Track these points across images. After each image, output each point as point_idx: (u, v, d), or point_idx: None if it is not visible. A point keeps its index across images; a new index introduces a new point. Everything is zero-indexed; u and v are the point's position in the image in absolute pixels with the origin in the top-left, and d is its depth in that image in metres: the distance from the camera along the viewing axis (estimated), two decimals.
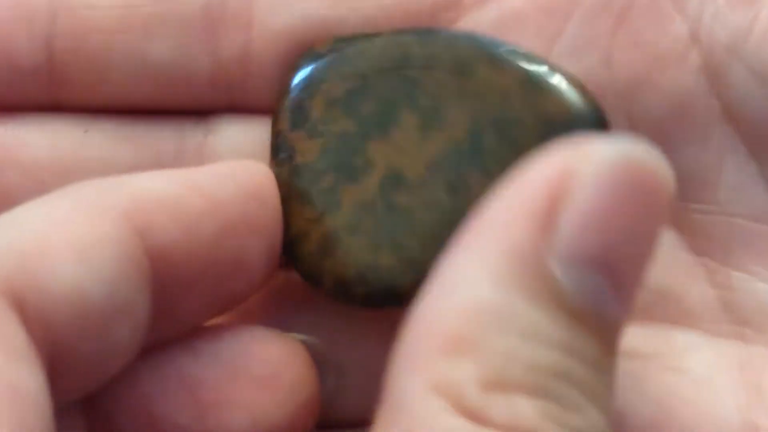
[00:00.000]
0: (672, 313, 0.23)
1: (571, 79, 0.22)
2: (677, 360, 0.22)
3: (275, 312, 0.24)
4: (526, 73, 0.22)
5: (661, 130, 0.23)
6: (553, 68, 0.22)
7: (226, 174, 0.22)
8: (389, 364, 0.18)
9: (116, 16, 0.23)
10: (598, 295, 0.18)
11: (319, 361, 0.23)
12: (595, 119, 0.22)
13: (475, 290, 0.18)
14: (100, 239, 0.19)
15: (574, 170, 0.18)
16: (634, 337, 0.22)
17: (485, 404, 0.17)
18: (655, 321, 0.23)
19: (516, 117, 0.22)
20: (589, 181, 0.18)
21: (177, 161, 0.24)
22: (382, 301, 0.22)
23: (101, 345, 0.19)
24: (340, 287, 0.22)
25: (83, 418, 0.21)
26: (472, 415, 0.17)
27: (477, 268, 0.18)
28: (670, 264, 0.23)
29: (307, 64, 0.23)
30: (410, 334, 0.18)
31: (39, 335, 0.18)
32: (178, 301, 0.21)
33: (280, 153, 0.23)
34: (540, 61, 0.22)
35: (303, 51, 0.23)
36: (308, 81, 0.23)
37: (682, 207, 0.23)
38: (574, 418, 0.18)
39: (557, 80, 0.22)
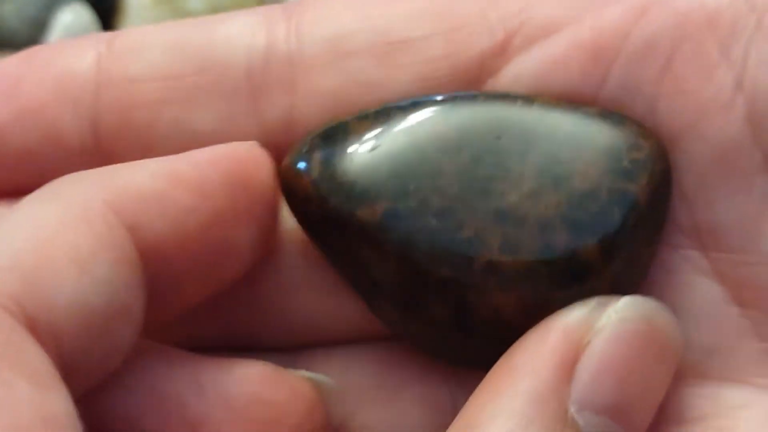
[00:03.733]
0: (720, 369, 0.23)
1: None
2: (726, 419, 0.22)
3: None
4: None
5: (704, 179, 0.22)
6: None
7: (211, 162, 0.21)
8: None
9: (159, 88, 0.23)
10: None
11: (328, 400, 0.23)
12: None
13: (502, 430, 0.19)
14: (96, 245, 0.19)
15: (593, 323, 0.20)
16: (682, 398, 0.23)
17: None
18: (703, 379, 0.23)
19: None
20: (605, 335, 0.20)
21: None
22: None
23: (104, 348, 0.20)
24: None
25: None
26: None
27: (503, 409, 0.20)
28: (716, 319, 0.23)
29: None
30: None
31: (50, 351, 0.19)
32: (168, 292, 0.21)
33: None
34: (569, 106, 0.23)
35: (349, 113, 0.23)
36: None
37: (725, 258, 0.23)
38: None
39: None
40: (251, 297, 0.23)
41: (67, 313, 0.19)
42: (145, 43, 0.23)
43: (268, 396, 0.21)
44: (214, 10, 0.47)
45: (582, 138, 0.22)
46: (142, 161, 0.21)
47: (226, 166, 0.22)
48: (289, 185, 0.22)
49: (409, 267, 0.22)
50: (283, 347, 0.24)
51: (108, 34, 0.24)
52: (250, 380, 0.21)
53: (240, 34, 0.23)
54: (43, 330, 0.19)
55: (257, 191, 0.22)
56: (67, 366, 0.19)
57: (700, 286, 0.23)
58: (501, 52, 0.23)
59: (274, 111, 0.23)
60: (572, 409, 0.20)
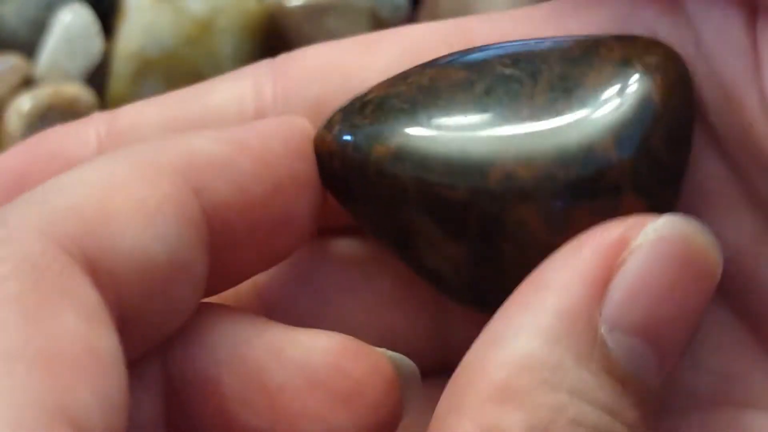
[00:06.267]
0: (738, 396, 0.23)
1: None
2: None
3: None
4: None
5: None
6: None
7: (271, 132, 0.22)
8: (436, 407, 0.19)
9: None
10: (641, 362, 0.19)
11: (406, 379, 0.22)
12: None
13: (527, 344, 0.19)
14: (161, 200, 0.20)
15: (630, 242, 0.19)
16: (702, 424, 0.22)
17: None
18: (722, 405, 0.23)
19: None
20: (642, 253, 0.19)
21: None
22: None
23: (164, 303, 0.20)
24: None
25: (162, 399, 0.22)
26: None
27: (530, 323, 0.19)
28: (732, 347, 0.23)
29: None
30: (460, 379, 0.19)
31: (109, 296, 0.19)
32: (231, 258, 0.21)
33: None
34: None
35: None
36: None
37: (738, 289, 0.22)
38: None
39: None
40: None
41: (128, 262, 0.19)
42: (142, 125, 0.24)
43: (348, 368, 0.21)
44: (215, 10, 0.47)
45: (593, 54, 0.22)
46: (206, 130, 0.22)
47: (286, 136, 0.22)
48: (318, 153, 0.23)
49: (428, 194, 0.21)
50: None
51: (107, 116, 0.24)
52: (332, 351, 0.21)
53: (230, 102, 0.24)
54: (102, 275, 0.19)
55: (311, 162, 0.22)
56: (125, 316, 0.19)
57: (715, 316, 0.23)
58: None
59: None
60: (602, 329, 0.19)
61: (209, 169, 0.21)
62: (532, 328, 0.19)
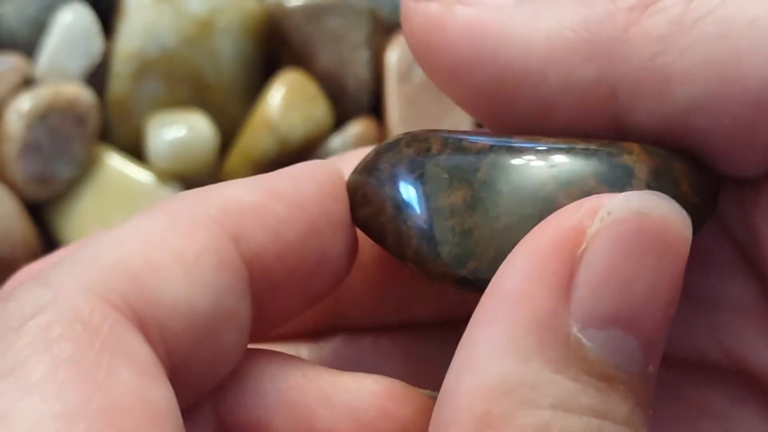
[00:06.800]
0: None
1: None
2: None
3: None
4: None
5: None
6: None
7: (301, 176, 0.22)
8: None
9: None
10: (623, 351, 0.19)
11: None
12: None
13: (500, 366, 0.18)
14: (201, 251, 0.20)
15: (586, 231, 0.19)
16: None
17: None
18: None
19: None
20: (600, 241, 0.18)
21: None
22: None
23: (212, 351, 0.20)
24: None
25: None
26: None
27: (499, 343, 0.18)
28: None
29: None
30: (440, 412, 0.19)
31: (158, 348, 0.19)
32: (272, 301, 0.22)
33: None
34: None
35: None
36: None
37: None
38: None
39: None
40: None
41: (174, 313, 0.19)
42: None
43: (395, 411, 0.22)
44: (215, 10, 0.47)
45: (616, 144, 0.22)
46: (238, 180, 0.22)
47: (318, 177, 0.22)
48: (351, 190, 0.23)
49: (450, 147, 0.22)
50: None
51: None
52: (378, 394, 0.22)
53: None
54: (150, 328, 0.19)
55: (343, 203, 0.23)
56: (175, 365, 0.20)
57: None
58: None
59: None
60: (575, 329, 0.18)
61: (245, 216, 0.21)
62: (502, 348, 0.18)
